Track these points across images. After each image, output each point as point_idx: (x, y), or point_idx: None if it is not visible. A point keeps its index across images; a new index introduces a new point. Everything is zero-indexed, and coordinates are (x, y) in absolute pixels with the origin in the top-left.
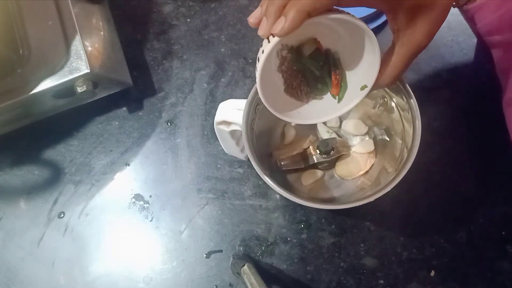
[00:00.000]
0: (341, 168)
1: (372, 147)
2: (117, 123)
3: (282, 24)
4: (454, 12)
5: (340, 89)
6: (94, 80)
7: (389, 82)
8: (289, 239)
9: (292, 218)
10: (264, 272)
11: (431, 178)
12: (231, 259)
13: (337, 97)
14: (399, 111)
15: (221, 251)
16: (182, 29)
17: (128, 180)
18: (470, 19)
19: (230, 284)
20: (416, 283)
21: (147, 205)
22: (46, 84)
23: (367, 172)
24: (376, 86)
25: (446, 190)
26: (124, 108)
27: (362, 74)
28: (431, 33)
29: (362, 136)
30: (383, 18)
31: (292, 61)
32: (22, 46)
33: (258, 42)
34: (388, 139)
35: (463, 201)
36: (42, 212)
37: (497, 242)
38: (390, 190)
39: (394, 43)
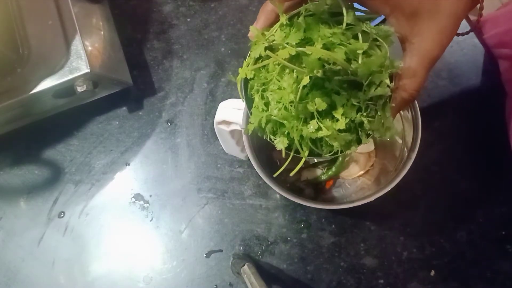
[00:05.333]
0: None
1: (372, 147)
2: (117, 122)
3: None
4: None
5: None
6: (94, 79)
7: (410, 96)
8: (289, 238)
9: (292, 217)
10: (264, 271)
11: (431, 178)
12: (231, 258)
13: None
14: None
15: (221, 250)
16: (182, 28)
17: (128, 180)
18: (477, 29)
19: (230, 284)
20: (416, 282)
21: (147, 204)
22: (46, 83)
23: (367, 172)
24: (398, 104)
25: (446, 190)
26: (124, 108)
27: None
28: (441, 42)
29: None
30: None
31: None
32: (22, 46)
33: None
34: (388, 138)
35: (463, 201)
36: (42, 211)
37: (497, 242)
38: (390, 190)
39: (405, 54)
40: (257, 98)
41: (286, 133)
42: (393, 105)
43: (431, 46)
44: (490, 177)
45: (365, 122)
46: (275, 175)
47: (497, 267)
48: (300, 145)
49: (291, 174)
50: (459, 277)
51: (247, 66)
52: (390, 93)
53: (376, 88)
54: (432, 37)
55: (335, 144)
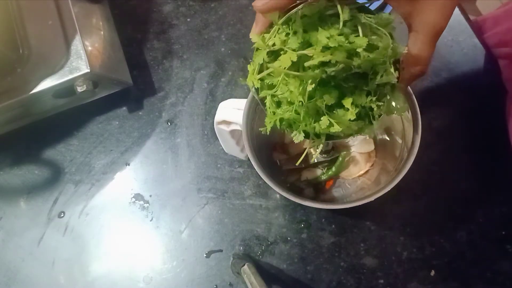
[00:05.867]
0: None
1: (372, 147)
2: (117, 122)
3: None
4: (454, 12)
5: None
6: (94, 79)
7: (419, 71)
8: (289, 238)
9: (292, 217)
10: (264, 271)
11: (431, 178)
12: (231, 258)
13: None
14: None
15: (221, 250)
16: (182, 28)
17: (128, 180)
18: (477, 29)
19: (230, 284)
20: (416, 282)
21: (147, 204)
22: (46, 83)
23: (367, 172)
24: (407, 80)
25: (446, 190)
26: (124, 108)
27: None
28: (445, 14)
29: (362, 136)
30: None
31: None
32: (22, 46)
33: None
34: (388, 138)
35: (463, 201)
36: (42, 211)
37: (497, 242)
38: (390, 189)
39: (409, 32)
40: (268, 102)
41: (300, 128)
42: (402, 85)
43: (435, 19)
44: (490, 177)
45: (375, 108)
46: (297, 163)
47: (497, 267)
48: (316, 135)
49: (312, 160)
50: (459, 277)
51: (253, 73)
52: (396, 80)
53: (382, 76)
54: (436, 10)
55: (349, 131)
